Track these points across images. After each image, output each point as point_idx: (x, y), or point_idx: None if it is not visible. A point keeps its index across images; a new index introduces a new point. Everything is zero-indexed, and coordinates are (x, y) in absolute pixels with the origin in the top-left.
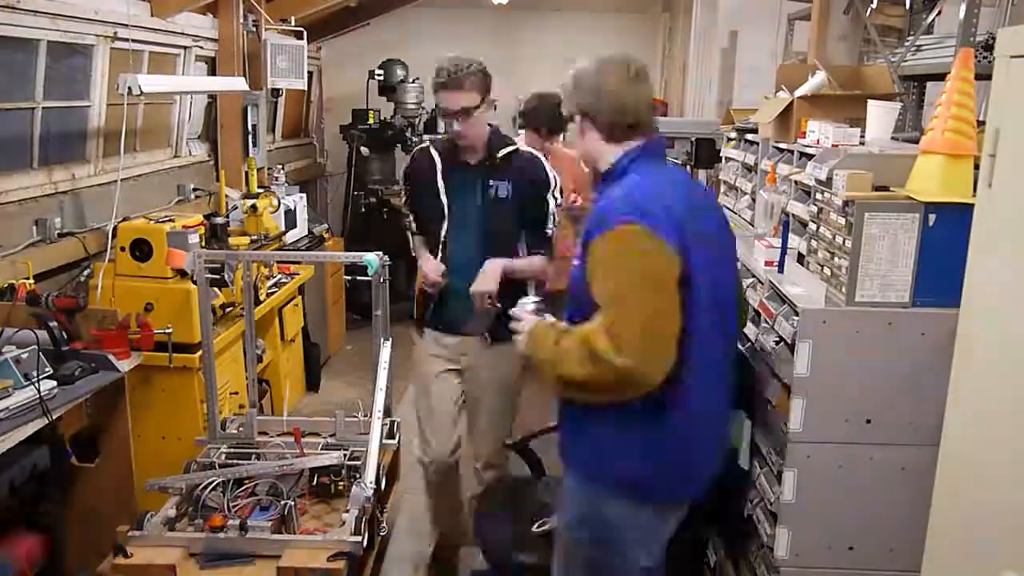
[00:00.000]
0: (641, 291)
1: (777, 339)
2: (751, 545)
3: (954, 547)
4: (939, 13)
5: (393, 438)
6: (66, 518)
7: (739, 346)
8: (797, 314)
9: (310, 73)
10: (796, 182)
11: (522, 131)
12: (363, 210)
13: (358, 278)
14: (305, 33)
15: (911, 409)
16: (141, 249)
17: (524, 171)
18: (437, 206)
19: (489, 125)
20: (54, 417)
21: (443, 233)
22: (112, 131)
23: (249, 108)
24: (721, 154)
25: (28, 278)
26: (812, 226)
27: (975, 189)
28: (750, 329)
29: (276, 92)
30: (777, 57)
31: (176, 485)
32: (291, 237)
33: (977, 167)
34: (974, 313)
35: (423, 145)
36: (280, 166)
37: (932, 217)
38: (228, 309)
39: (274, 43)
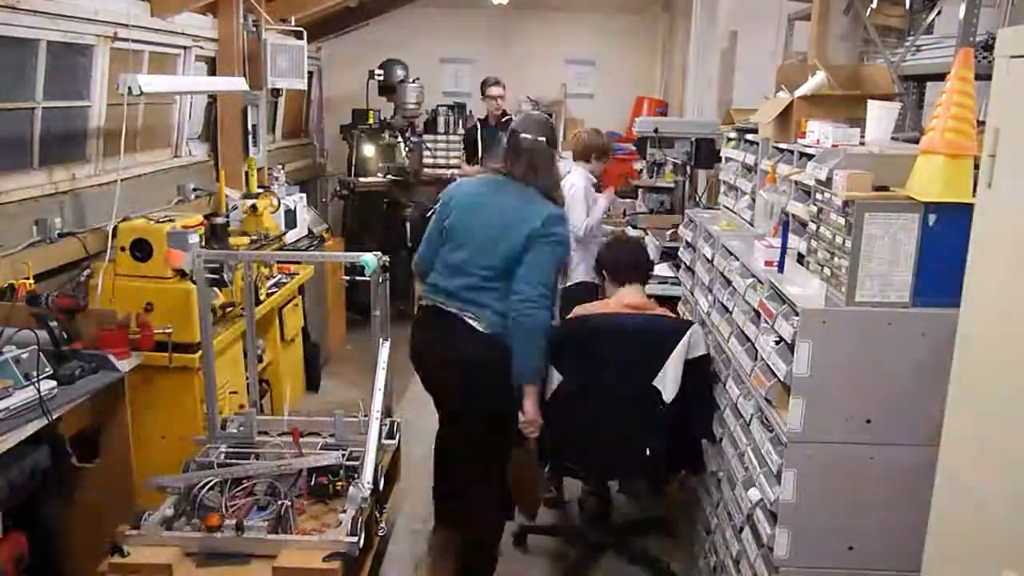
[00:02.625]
0: None
1: (777, 339)
2: (751, 545)
3: (954, 547)
4: (939, 13)
5: (393, 438)
6: (66, 518)
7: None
8: (797, 314)
9: (310, 73)
10: (796, 182)
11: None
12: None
13: (357, 278)
14: (305, 33)
15: (911, 409)
16: (141, 249)
17: None
18: None
19: None
20: (54, 417)
21: None
22: (112, 131)
23: (249, 108)
24: (721, 154)
25: (28, 278)
26: (812, 226)
27: (975, 189)
28: (750, 329)
29: (276, 92)
30: (777, 57)
31: (174, 485)
32: (291, 237)
33: (977, 167)
34: (974, 313)
35: None
36: (280, 166)
37: (932, 217)
38: (228, 309)
39: (274, 43)
